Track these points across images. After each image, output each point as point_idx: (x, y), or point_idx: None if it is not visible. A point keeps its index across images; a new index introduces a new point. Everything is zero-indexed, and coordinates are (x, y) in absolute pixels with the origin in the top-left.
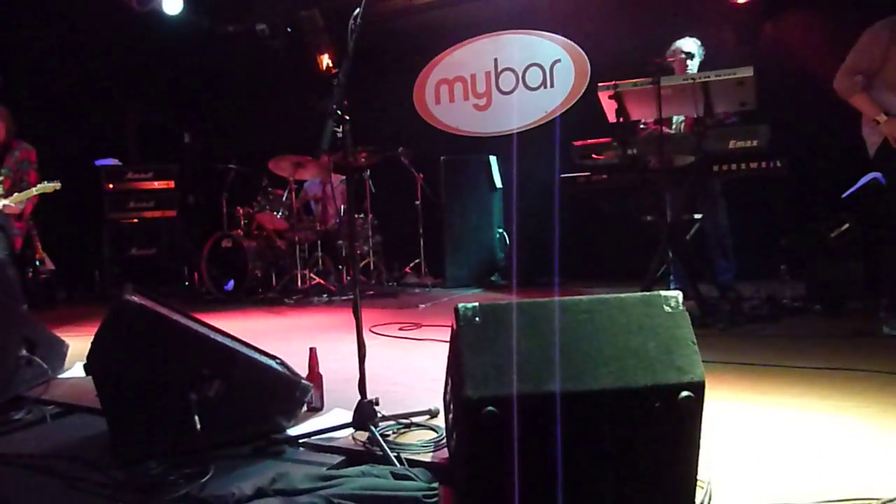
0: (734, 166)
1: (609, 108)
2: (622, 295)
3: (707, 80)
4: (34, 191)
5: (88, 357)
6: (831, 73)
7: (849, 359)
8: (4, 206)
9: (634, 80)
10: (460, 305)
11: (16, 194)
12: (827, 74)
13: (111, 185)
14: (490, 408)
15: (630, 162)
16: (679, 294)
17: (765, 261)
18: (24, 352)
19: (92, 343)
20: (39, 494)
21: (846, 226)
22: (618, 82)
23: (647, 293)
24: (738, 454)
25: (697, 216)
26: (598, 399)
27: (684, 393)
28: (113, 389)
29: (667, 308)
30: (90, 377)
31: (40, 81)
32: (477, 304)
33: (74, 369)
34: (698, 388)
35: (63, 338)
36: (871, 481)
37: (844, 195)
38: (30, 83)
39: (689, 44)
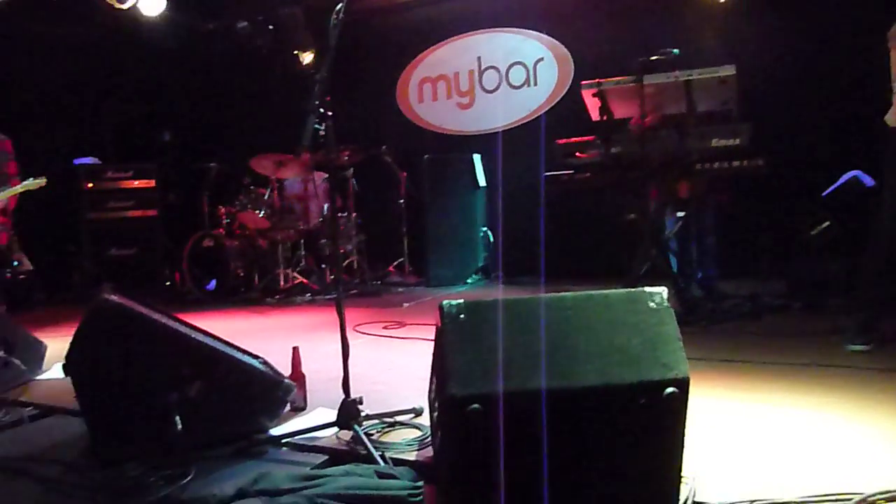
0: (716, 164)
1: (593, 106)
2: (606, 291)
3: (690, 78)
4: (19, 188)
5: (67, 358)
6: (811, 72)
7: (829, 355)
8: None
9: (617, 78)
10: (445, 303)
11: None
12: (807, 72)
13: (90, 184)
14: (475, 405)
15: (613, 160)
16: (664, 290)
17: (746, 259)
18: (1, 353)
19: (70, 344)
20: (16, 498)
21: (826, 224)
22: (601, 80)
23: (632, 290)
24: (722, 450)
25: (680, 214)
26: (583, 396)
27: (669, 389)
28: (92, 390)
29: (651, 304)
30: (69, 378)
31: (18, 79)
32: (462, 301)
33: (53, 370)
34: (683, 385)
35: (41, 339)
36: (853, 476)
37: (825, 193)
38: (7, 81)
39: None
